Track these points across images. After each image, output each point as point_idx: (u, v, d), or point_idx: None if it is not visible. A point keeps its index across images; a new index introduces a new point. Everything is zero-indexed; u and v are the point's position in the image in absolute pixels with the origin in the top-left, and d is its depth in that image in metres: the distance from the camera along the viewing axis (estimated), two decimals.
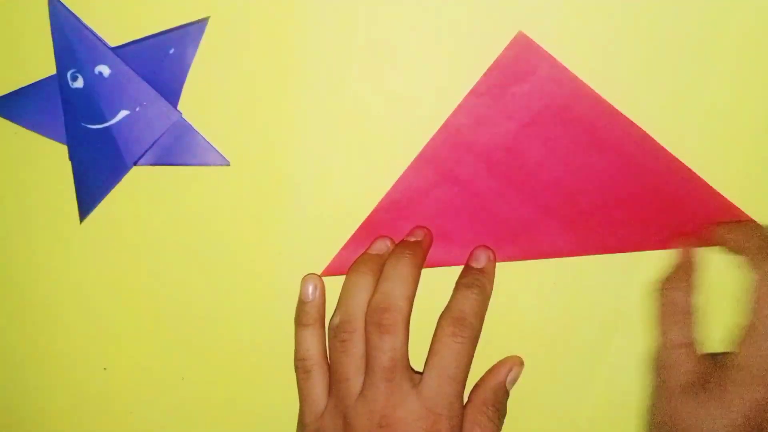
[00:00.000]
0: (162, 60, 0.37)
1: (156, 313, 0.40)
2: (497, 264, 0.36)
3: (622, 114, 0.34)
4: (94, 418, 0.42)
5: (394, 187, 0.36)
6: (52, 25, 0.37)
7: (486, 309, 0.35)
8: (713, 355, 0.33)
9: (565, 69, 0.34)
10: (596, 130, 0.35)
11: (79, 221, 0.39)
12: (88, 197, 0.39)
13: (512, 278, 0.37)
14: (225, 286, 0.39)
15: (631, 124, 0.34)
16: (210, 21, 0.36)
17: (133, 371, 0.41)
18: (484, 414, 0.34)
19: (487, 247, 0.36)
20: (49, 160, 0.39)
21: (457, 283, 0.35)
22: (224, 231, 0.38)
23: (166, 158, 0.38)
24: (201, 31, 0.36)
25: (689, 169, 0.35)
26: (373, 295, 0.34)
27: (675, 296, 0.34)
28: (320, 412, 0.35)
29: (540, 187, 0.35)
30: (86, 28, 0.37)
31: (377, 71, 0.36)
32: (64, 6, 0.36)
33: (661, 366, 0.34)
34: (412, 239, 0.36)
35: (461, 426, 0.34)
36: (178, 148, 0.37)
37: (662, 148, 0.35)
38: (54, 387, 0.42)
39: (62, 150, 0.38)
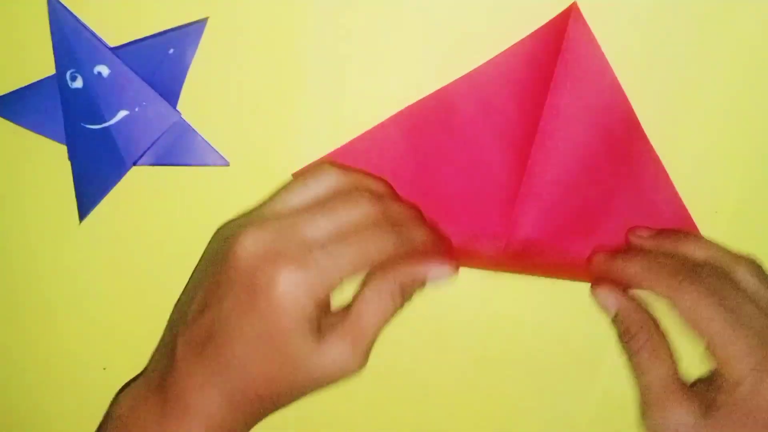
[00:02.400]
0: (161, 60, 0.37)
1: (155, 313, 0.40)
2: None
3: (639, 124, 0.34)
4: (93, 418, 0.42)
5: (398, 115, 0.35)
6: (51, 25, 0.36)
7: None
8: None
9: (605, 59, 0.33)
10: (610, 134, 0.34)
11: (78, 221, 0.39)
12: (87, 197, 0.39)
13: (511, 280, 0.37)
14: None
15: (643, 136, 0.34)
16: (209, 21, 0.36)
17: (132, 371, 0.41)
18: (388, 296, 0.31)
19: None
20: (49, 160, 0.39)
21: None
22: None
23: (166, 158, 0.38)
24: (200, 32, 0.36)
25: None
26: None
27: (640, 338, 0.33)
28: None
29: (534, 170, 0.35)
30: (85, 28, 0.36)
31: (377, 71, 0.36)
32: (64, 6, 0.36)
33: (655, 413, 0.33)
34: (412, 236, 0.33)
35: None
36: (178, 148, 0.37)
37: (665, 174, 0.35)
38: (53, 387, 0.42)
39: (62, 150, 0.38)
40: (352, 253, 0.31)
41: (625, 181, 0.35)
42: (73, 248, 0.40)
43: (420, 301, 0.35)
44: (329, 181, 0.33)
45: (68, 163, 0.38)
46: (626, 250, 0.35)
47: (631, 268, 0.34)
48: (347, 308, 0.31)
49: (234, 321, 0.30)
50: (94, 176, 0.38)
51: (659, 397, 0.32)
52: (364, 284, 0.32)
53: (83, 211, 0.39)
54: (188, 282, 0.35)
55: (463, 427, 0.39)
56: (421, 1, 0.35)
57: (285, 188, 0.33)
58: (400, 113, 0.35)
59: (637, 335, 0.33)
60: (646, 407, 0.33)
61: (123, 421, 0.33)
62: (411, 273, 0.32)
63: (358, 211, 0.32)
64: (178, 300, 0.35)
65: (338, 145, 0.36)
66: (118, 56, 0.36)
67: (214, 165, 0.38)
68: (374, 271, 0.31)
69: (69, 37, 0.36)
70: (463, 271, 0.37)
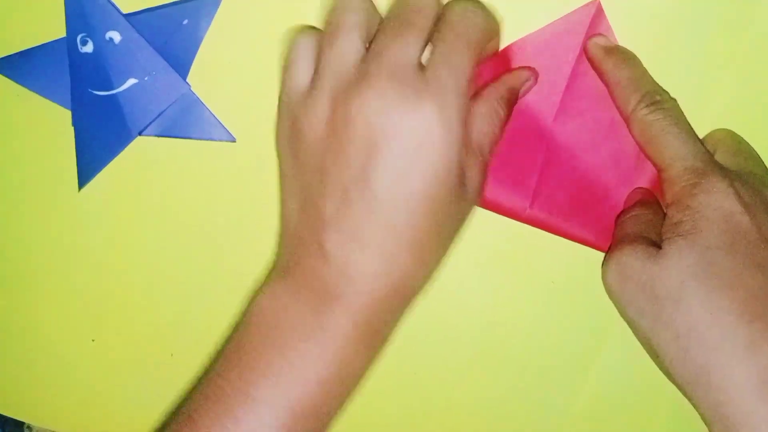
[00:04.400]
0: (174, 31, 0.36)
1: (150, 287, 0.40)
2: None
3: None
4: (81, 390, 0.41)
5: None
6: None
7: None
8: None
9: None
10: (624, 128, 0.34)
11: (77, 188, 0.39)
12: (88, 164, 0.38)
13: (510, 277, 0.37)
14: (223, 264, 0.39)
15: None
16: None
17: (122, 345, 0.41)
18: (497, 105, 0.31)
19: None
20: (52, 124, 0.38)
21: None
22: (225, 207, 0.38)
23: (172, 130, 0.37)
24: (216, 5, 0.36)
25: None
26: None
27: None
28: (303, 89, 0.31)
29: (546, 161, 0.35)
30: None
31: None
32: None
33: (613, 260, 0.31)
34: None
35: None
36: (185, 120, 0.37)
37: None
38: (41, 356, 0.42)
39: (66, 115, 0.38)
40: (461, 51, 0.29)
41: (641, 162, 0.35)
42: (70, 216, 0.39)
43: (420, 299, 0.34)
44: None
45: (71, 129, 0.38)
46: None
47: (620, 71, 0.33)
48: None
49: (370, 180, 0.27)
50: (97, 143, 0.38)
51: (618, 250, 0.31)
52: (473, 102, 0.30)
53: (83, 179, 0.38)
54: (285, 194, 0.32)
55: (457, 425, 0.39)
56: None
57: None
58: None
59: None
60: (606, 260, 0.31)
61: (269, 321, 0.29)
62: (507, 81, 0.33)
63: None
64: (284, 214, 0.32)
65: None
66: (131, 23, 0.36)
67: (221, 140, 0.37)
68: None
69: (82, 1, 0.36)
70: (461, 271, 0.37)
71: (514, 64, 0.35)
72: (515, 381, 0.36)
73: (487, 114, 0.31)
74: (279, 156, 0.32)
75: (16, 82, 0.38)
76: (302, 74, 0.30)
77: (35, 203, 0.40)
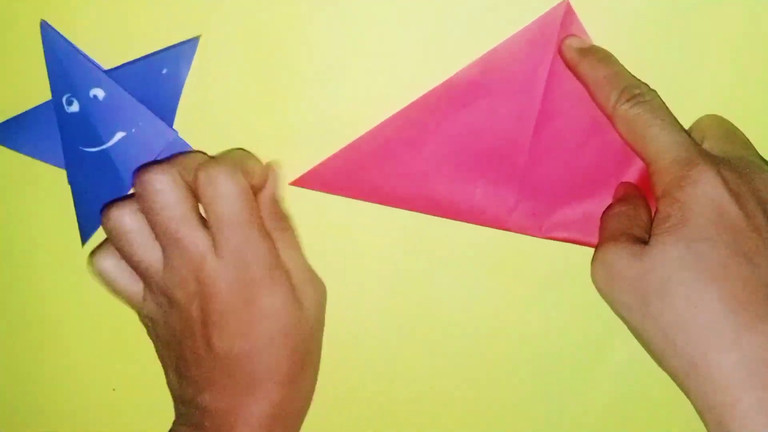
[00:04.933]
0: (155, 80, 0.37)
1: None
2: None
3: None
4: None
5: (395, 116, 0.36)
6: (45, 50, 0.37)
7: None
8: None
9: None
10: (606, 124, 0.34)
11: (81, 244, 0.39)
12: (88, 220, 0.39)
13: (513, 278, 0.37)
14: None
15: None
16: (201, 39, 0.36)
17: (142, 392, 0.41)
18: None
19: None
20: (49, 184, 0.39)
21: None
22: None
23: None
24: (193, 50, 0.36)
25: None
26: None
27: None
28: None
29: (528, 166, 0.36)
30: (79, 52, 0.37)
31: (371, 79, 0.36)
32: (56, 31, 0.37)
33: (604, 257, 0.31)
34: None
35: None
36: None
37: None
38: (63, 410, 0.42)
39: (61, 174, 0.39)
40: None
41: (621, 160, 0.35)
42: (77, 271, 0.40)
43: (421, 300, 0.35)
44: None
45: (68, 187, 0.39)
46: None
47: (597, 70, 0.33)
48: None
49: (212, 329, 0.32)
50: (94, 199, 0.38)
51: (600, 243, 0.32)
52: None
53: (85, 234, 0.39)
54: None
55: (466, 426, 0.39)
56: (411, 5, 0.35)
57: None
58: (402, 111, 0.36)
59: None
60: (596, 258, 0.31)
61: None
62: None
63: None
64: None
65: (334, 152, 0.36)
66: (112, 78, 0.37)
67: None
68: None
69: (63, 62, 0.37)
70: (466, 270, 0.37)
71: (492, 73, 0.35)
72: (525, 383, 0.36)
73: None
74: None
75: (10, 148, 0.39)
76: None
77: (42, 263, 0.41)
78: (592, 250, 0.35)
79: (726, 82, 0.34)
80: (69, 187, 0.39)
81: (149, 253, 0.33)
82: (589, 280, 0.35)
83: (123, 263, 0.34)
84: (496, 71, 0.35)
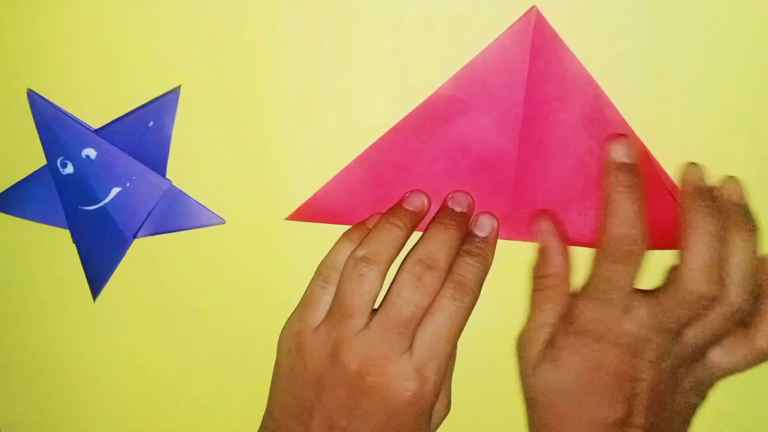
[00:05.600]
0: (144, 133, 0.37)
1: (173, 372, 0.41)
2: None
3: (618, 111, 0.34)
4: None
5: (380, 140, 0.36)
6: (34, 117, 0.38)
7: (484, 279, 0.35)
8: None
9: (572, 55, 0.34)
10: (590, 124, 0.35)
11: (92, 300, 0.40)
12: (97, 275, 0.40)
13: (511, 283, 0.37)
14: (236, 340, 0.40)
15: (624, 123, 0.34)
16: (182, 88, 0.37)
17: None
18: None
19: (492, 216, 0.36)
20: (55, 245, 0.40)
21: (460, 249, 0.35)
22: (229, 285, 0.39)
23: (164, 226, 0.39)
24: (175, 100, 0.37)
25: (668, 178, 0.35)
26: (416, 248, 0.34)
27: (548, 282, 0.35)
28: (313, 327, 0.35)
29: (518, 173, 0.36)
30: (67, 115, 0.38)
31: (351, 107, 0.36)
32: (43, 98, 0.38)
33: (522, 343, 0.36)
34: (458, 209, 0.36)
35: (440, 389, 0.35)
36: (173, 214, 0.38)
37: (650, 155, 0.35)
38: None
39: (65, 234, 0.39)
40: (445, 317, 0.34)
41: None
42: (92, 326, 0.41)
43: None
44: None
45: (74, 246, 0.39)
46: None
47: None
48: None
49: (355, 419, 0.34)
50: (99, 255, 0.39)
51: (532, 333, 0.36)
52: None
53: (95, 289, 0.40)
54: (277, 391, 0.36)
55: (466, 427, 0.39)
56: (383, 28, 0.35)
57: (320, 277, 0.36)
58: (386, 134, 0.36)
59: (546, 278, 0.36)
60: (521, 335, 0.36)
61: None
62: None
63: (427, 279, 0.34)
64: (274, 407, 0.36)
65: (324, 182, 0.37)
66: (102, 137, 0.37)
67: (211, 224, 0.38)
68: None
69: (53, 127, 0.38)
70: None
71: (470, 87, 0.35)
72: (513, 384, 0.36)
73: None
74: (278, 361, 0.36)
75: (13, 215, 0.40)
76: (317, 315, 0.35)
77: (56, 323, 0.41)
78: (588, 251, 0.35)
79: (699, 79, 0.34)
80: (74, 245, 0.39)
81: (361, 315, 0.34)
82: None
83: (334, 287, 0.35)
84: (474, 85, 0.35)
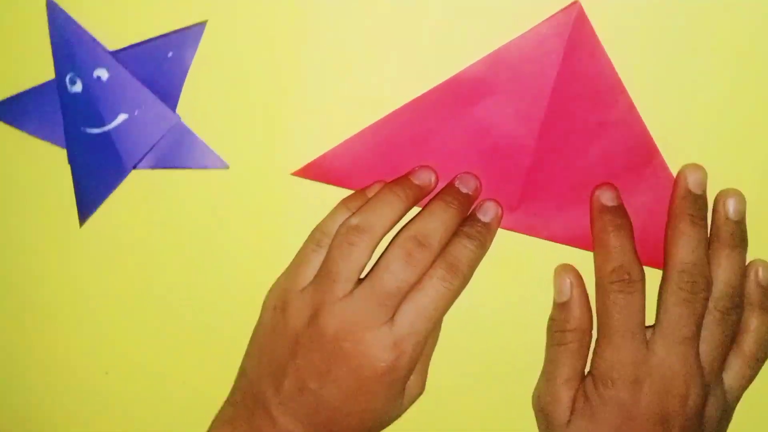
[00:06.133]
0: (160, 64, 0.37)
1: (156, 316, 0.40)
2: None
3: (642, 121, 0.34)
4: (96, 422, 0.42)
5: (399, 110, 0.36)
6: (50, 29, 0.37)
7: (478, 265, 0.34)
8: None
9: (607, 57, 0.34)
10: (612, 129, 0.34)
11: (78, 225, 0.39)
12: (87, 201, 0.39)
13: (513, 278, 0.37)
14: (225, 289, 0.39)
15: (646, 133, 0.34)
16: (208, 24, 0.36)
17: (135, 375, 0.41)
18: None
19: (499, 205, 0.36)
20: (49, 164, 0.39)
21: (458, 230, 0.34)
22: (224, 234, 0.38)
23: (165, 162, 0.38)
24: (199, 35, 0.36)
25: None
26: (412, 222, 0.34)
27: (571, 337, 0.35)
28: (300, 288, 0.35)
29: (532, 166, 0.35)
30: (85, 32, 0.36)
31: (377, 69, 0.36)
32: (63, 10, 0.36)
33: (546, 402, 0.35)
34: (464, 190, 0.35)
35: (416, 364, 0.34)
36: (177, 151, 0.37)
37: (665, 165, 0.35)
38: (55, 392, 0.42)
39: (62, 154, 0.38)
40: (431, 295, 0.33)
41: (626, 173, 0.35)
42: (74, 252, 0.40)
43: None
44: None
45: (68, 167, 0.38)
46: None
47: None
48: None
49: (327, 383, 0.33)
50: (93, 180, 0.38)
51: (556, 391, 0.35)
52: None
53: (83, 215, 0.39)
54: (255, 347, 0.36)
55: (466, 427, 0.39)
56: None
57: (313, 240, 0.35)
58: (407, 105, 0.36)
59: (569, 333, 0.35)
60: (541, 392, 0.36)
61: None
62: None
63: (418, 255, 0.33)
64: (249, 362, 0.36)
65: (336, 143, 0.36)
66: (117, 60, 0.36)
67: (214, 168, 0.38)
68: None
69: (68, 41, 0.36)
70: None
71: (500, 71, 0.35)
72: (515, 382, 0.36)
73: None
74: (261, 317, 0.37)
75: (11, 125, 0.38)
76: (305, 277, 0.35)
77: (39, 243, 0.40)
78: (592, 254, 0.35)
79: (731, 81, 0.34)
80: (69, 167, 0.38)
81: (347, 282, 0.34)
82: (590, 281, 0.35)
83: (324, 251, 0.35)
84: (505, 70, 0.35)
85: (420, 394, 0.36)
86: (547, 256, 0.36)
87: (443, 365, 0.37)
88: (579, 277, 0.35)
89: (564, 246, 0.36)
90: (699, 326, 0.33)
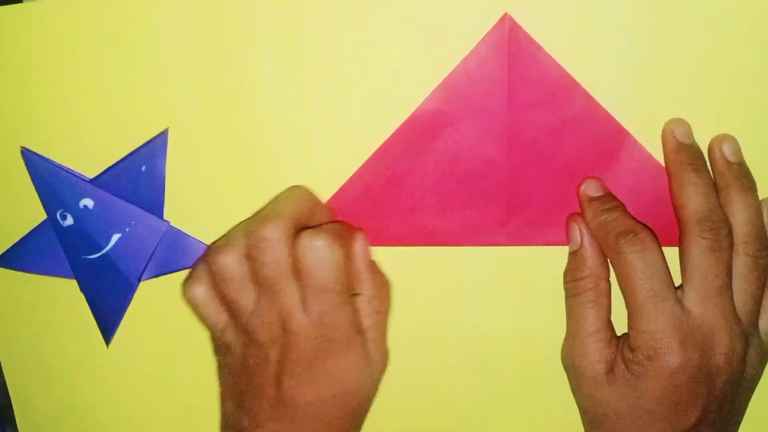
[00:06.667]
0: (137, 178, 0.38)
1: (200, 413, 0.41)
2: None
3: (603, 109, 0.34)
4: None
5: (369, 160, 0.36)
6: (30, 174, 0.38)
7: None
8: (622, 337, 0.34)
9: (550, 57, 0.34)
10: (576, 123, 0.35)
11: (106, 346, 0.41)
12: (107, 322, 0.40)
13: (517, 290, 0.37)
14: None
15: (611, 119, 0.35)
16: (170, 130, 0.37)
17: None
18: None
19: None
20: (65, 296, 0.41)
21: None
22: None
23: (167, 267, 0.39)
24: (165, 142, 0.38)
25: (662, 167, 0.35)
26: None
27: (585, 284, 0.34)
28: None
29: (511, 179, 0.36)
30: (62, 168, 0.38)
31: (341, 134, 0.36)
32: (37, 154, 0.38)
33: (573, 356, 0.34)
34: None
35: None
36: (175, 255, 0.39)
37: (637, 143, 0.35)
38: None
39: (73, 284, 0.40)
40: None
41: (603, 161, 0.35)
42: (108, 372, 0.42)
43: (426, 305, 0.35)
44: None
45: (81, 295, 0.40)
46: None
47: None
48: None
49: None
50: (107, 301, 0.40)
51: (581, 344, 0.34)
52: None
53: (107, 336, 0.40)
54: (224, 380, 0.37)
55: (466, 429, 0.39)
56: (362, 52, 0.35)
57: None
58: (376, 153, 0.37)
59: (582, 281, 0.34)
60: (568, 348, 0.35)
61: None
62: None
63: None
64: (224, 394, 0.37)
65: None
66: (98, 186, 0.38)
67: None
68: None
69: (49, 181, 0.38)
70: (470, 273, 0.38)
71: (453, 99, 0.35)
72: (522, 387, 0.36)
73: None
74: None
75: (21, 270, 0.40)
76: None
77: (73, 373, 0.42)
78: None
79: (678, 77, 0.34)
80: (82, 295, 0.40)
81: (244, 295, 0.34)
82: None
83: (213, 293, 0.35)
84: (457, 97, 0.35)
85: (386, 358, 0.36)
86: (548, 260, 0.36)
87: (456, 374, 0.37)
88: (588, 225, 0.35)
89: (564, 246, 0.36)
90: (729, 275, 0.32)
